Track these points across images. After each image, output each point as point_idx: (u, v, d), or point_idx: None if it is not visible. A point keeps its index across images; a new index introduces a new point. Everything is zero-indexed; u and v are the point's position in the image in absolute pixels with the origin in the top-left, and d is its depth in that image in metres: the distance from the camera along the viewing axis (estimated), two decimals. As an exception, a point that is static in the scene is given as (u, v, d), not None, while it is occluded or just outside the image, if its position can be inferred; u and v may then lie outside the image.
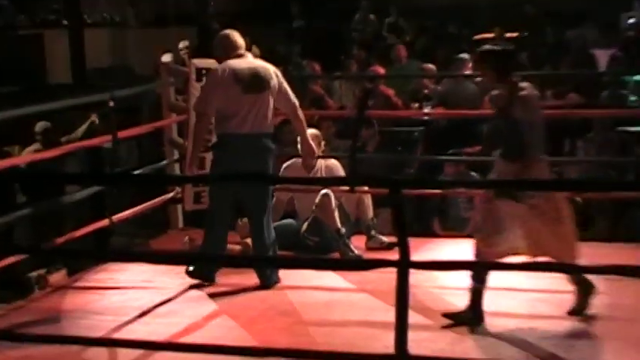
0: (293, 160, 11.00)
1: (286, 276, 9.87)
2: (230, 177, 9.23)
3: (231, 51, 9.85)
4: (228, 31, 10.13)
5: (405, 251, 5.94)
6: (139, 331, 8.66)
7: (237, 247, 10.61)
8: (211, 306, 9.38)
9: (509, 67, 8.39)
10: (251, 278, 9.79)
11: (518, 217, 7.96)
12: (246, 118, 9.57)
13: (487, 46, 8.81)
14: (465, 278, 8.83)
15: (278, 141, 12.42)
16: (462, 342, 7.98)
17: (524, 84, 8.35)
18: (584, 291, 8.36)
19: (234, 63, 9.70)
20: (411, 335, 5.94)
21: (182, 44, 12.50)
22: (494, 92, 8.50)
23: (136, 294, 9.64)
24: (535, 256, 8.04)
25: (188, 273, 9.74)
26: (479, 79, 13.61)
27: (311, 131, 10.83)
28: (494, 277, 8.24)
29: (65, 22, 25.73)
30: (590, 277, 8.18)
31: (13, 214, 10.73)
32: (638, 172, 12.55)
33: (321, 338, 7.84)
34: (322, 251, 10.53)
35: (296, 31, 25.81)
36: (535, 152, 8.18)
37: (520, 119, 8.06)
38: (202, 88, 10.06)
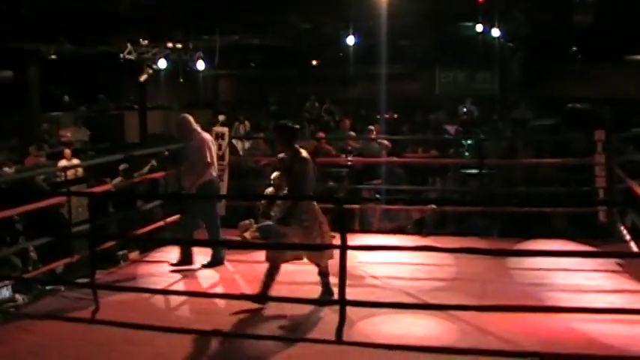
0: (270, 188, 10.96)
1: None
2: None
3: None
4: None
5: (344, 239, 5.93)
6: (184, 286, 8.58)
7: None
8: (226, 272, 9.33)
9: (292, 138, 7.92)
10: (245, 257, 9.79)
11: (296, 236, 7.65)
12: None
13: (280, 123, 8.46)
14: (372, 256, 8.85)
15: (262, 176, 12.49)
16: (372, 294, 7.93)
17: (302, 150, 7.95)
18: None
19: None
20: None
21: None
22: (281, 155, 8.04)
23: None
24: (309, 260, 7.75)
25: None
26: (381, 140, 13.76)
27: (278, 172, 10.95)
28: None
29: (136, 107, 25.65)
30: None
31: (106, 218, 10.70)
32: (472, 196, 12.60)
33: (289, 292, 7.65)
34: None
35: (272, 112, 25.82)
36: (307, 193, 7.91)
37: (298, 173, 7.79)
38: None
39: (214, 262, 9.46)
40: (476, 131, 18.19)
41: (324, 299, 7.37)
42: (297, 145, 7.97)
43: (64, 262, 9.18)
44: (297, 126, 8.21)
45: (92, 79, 30.87)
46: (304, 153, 7.92)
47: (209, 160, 9.46)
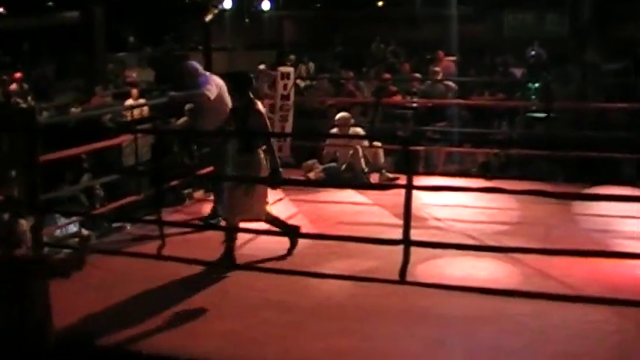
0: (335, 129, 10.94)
1: (332, 195, 9.90)
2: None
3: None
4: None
5: (410, 179, 5.93)
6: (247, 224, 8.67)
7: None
8: (290, 211, 9.40)
9: (246, 87, 7.54)
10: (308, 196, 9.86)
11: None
12: None
13: (233, 72, 8.33)
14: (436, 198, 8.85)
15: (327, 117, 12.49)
16: (435, 235, 7.94)
17: (257, 100, 7.67)
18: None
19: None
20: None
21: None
22: (235, 104, 7.79)
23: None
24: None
25: None
26: (447, 81, 13.64)
27: (343, 114, 10.93)
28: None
29: (200, 48, 25.69)
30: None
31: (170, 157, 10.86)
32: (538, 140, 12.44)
33: (351, 232, 7.62)
34: (354, 182, 10.53)
35: (337, 54, 25.65)
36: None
37: (251, 125, 7.47)
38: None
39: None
40: (544, 74, 17.89)
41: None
42: (252, 95, 7.66)
43: (130, 199, 9.33)
44: (251, 75, 7.94)
45: (157, 20, 31.08)
46: (259, 105, 7.66)
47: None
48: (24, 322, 5.62)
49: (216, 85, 8.89)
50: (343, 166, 10.73)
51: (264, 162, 7.51)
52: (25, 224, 5.84)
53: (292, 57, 20.97)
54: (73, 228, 8.89)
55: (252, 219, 7.54)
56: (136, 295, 6.80)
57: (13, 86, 19.96)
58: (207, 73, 9.20)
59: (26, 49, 26.89)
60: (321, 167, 10.91)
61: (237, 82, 7.70)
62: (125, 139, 10.25)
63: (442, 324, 6.03)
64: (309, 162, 11.12)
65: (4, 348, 5.69)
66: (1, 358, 5.74)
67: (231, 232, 7.38)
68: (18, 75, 20.45)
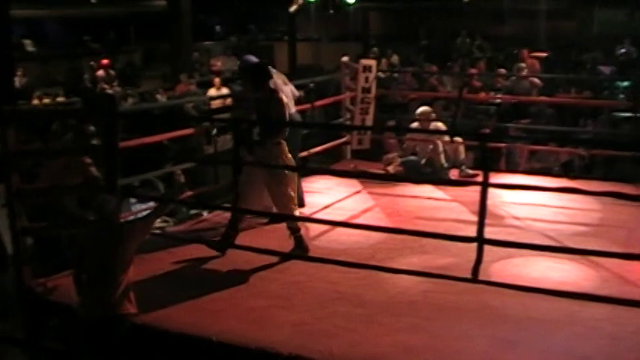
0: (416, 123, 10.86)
1: (410, 189, 9.85)
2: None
3: None
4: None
5: (486, 176, 5.86)
6: (323, 215, 8.67)
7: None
8: (367, 204, 9.40)
9: (265, 79, 7.47)
10: (386, 190, 9.83)
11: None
12: None
13: (244, 64, 8.09)
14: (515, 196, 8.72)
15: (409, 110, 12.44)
16: (512, 234, 7.84)
17: (279, 92, 7.52)
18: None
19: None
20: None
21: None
22: (255, 96, 7.46)
23: (320, 196, 9.65)
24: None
25: None
26: (532, 78, 13.45)
27: (425, 108, 10.85)
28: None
29: (286, 38, 25.85)
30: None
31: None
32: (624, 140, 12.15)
33: (427, 228, 7.56)
34: (433, 177, 10.46)
35: (422, 47, 25.48)
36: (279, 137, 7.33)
37: (274, 116, 7.29)
38: None
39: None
40: (635, 73, 17.51)
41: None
42: (272, 86, 7.57)
43: (208, 188, 9.43)
44: (269, 67, 7.76)
45: (243, 10, 31.31)
46: (281, 95, 7.53)
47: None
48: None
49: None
50: (423, 161, 10.66)
51: (287, 152, 7.43)
52: (112, 199, 6.00)
53: (375, 50, 20.94)
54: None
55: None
56: (209, 283, 6.86)
57: (100, 72, 20.40)
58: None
59: (114, 37, 27.38)
60: (399, 160, 10.86)
61: (256, 74, 7.55)
62: (206, 127, 10.36)
63: (514, 325, 5.93)
64: (389, 155, 11.10)
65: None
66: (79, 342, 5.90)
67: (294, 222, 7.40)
68: (105, 61, 20.88)
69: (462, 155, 10.85)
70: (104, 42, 26.19)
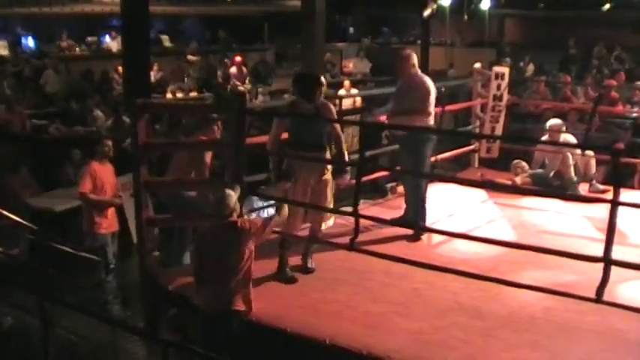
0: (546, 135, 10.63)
1: (537, 202, 9.65)
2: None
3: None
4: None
5: (616, 193, 5.68)
6: (441, 225, 8.57)
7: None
8: (491, 214, 9.26)
9: (315, 89, 7.06)
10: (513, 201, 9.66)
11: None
12: None
13: (300, 75, 7.90)
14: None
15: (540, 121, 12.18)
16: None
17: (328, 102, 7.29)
18: None
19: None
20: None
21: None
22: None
23: (445, 204, 9.53)
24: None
25: None
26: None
27: (555, 121, 10.60)
28: None
29: (419, 42, 25.73)
30: None
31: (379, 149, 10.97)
32: None
33: (552, 243, 7.33)
34: (561, 190, 10.21)
35: (569, 57, 24.88)
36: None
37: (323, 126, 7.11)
38: None
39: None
40: None
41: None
42: (322, 96, 7.23)
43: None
44: (320, 77, 7.32)
45: (377, 12, 31.36)
46: (331, 106, 7.31)
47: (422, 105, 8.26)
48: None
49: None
50: (551, 173, 10.43)
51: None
52: (234, 196, 6.11)
53: (508, 59, 20.62)
54: (271, 212, 9.13)
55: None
56: (325, 284, 6.91)
57: (233, 69, 20.75)
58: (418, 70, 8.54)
59: (249, 35, 27.82)
60: (529, 172, 10.67)
61: (307, 84, 7.24)
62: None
63: (638, 350, 5.74)
64: (516, 161, 10.90)
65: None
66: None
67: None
68: (238, 59, 21.22)
69: (593, 170, 10.58)
70: (239, 40, 26.62)
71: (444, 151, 10.78)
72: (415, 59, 8.41)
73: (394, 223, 8.04)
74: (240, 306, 5.96)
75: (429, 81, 8.39)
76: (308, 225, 7.43)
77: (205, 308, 5.99)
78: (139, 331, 7.06)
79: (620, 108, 13.34)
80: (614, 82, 14.37)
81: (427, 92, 8.27)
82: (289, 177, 7.12)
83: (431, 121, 8.40)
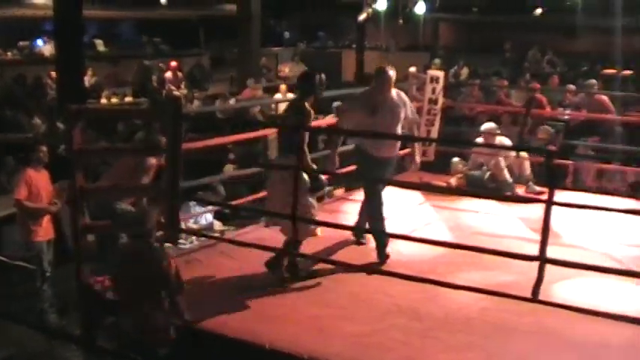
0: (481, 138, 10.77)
1: (472, 203, 9.76)
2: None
3: None
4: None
5: (551, 194, 5.77)
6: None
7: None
8: (429, 217, 9.31)
9: (306, 88, 7.22)
10: (449, 203, 9.75)
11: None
12: None
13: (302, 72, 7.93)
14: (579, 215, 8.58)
15: (475, 124, 12.31)
16: (575, 254, 7.69)
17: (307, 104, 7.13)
18: None
19: None
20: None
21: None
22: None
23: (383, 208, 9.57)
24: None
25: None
26: (601, 96, 13.21)
27: (490, 124, 10.76)
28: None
29: (354, 46, 25.87)
30: None
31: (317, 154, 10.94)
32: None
33: (488, 244, 7.35)
34: (496, 192, 10.34)
35: (507, 59, 25.25)
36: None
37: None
38: None
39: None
40: None
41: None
42: (306, 97, 7.27)
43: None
44: (317, 76, 7.32)
45: (312, 17, 31.44)
46: (308, 107, 7.20)
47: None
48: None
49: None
50: (486, 175, 10.57)
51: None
52: (153, 215, 6.00)
53: (437, 61, 20.83)
54: (203, 220, 9.12)
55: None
56: (267, 289, 6.89)
57: (168, 74, 20.63)
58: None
59: (184, 39, 27.68)
60: (464, 173, 10.79)
61: (312, 82, 7.32)
62: (271, 132, 10.39)
63: (573, 348, 5.86)
64: (456, 160, 11.03)
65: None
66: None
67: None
68: (174, 64, 21.11)
69: (528, 171, 10.74)
70: (173, 44, 26.48)
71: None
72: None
73: (341, 225, 8.10)
74: (167, 328, 5.82)
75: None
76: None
77: (129, 332, 5.82)
78: (76, 340, 6.97)
79: (549, 110, 13.56)
80: (538, 86, 14.59)
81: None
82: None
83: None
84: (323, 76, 7.35)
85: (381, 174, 7.83)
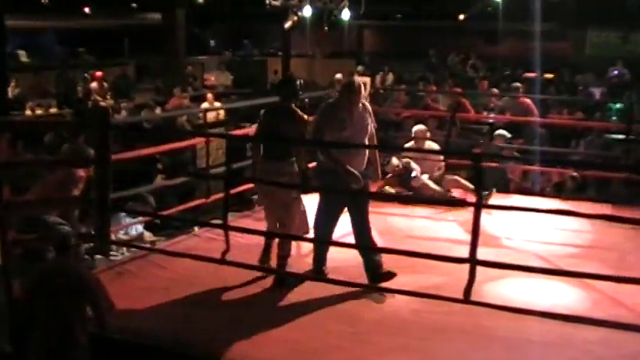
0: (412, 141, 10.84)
1: (403, 208, 9.81)
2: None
3: None
4: None
5: (479, 197, 5.84)
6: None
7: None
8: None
9: (287, 93, 7.30)
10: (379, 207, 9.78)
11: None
12: None
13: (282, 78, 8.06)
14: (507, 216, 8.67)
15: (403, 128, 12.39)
16: (505, 255, 7.80)
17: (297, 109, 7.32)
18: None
19: None
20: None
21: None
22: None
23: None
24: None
25: None
26: (524, 99, 13.43)
27: (420, 127, 10.83)
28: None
29: (280, 54, 25.84)
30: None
31: (245, 162, 10.89)
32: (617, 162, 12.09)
33: (419, 247, 7.46)
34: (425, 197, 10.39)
35: (432, 65, 25.51)
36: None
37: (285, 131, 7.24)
38: None
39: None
40: (628, 95, 17.51)
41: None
42: (293, 102, 7.39)
43: (198, 202, 9.38)
44: (296, 82, 7.45)
45: (238, 25, 31.37)
46: (300, 112, 7.37)
47: None
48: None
49: None
50: (413, 175, 10.58)
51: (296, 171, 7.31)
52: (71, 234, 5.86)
53: (360, 68, 20.97)
54: (133, 230, 8.99)
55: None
56: (200, 299, 6.83)
57: (94, 84, 20.33)
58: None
59: (108, 49, 27.36)
60: (391, 174, 10.80)
61: (292, 87, 7.37)
62: (199, 141, 10.31)
63: (506, 347, 5.91)
64: (395, 161, 11.02)
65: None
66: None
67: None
68: (99, 74, 20.82)
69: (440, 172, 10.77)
70: (98, 54, 26.13)
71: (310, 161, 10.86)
72: None
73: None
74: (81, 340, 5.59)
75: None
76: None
77: (54, 345, 5.57)
78: (6, 356, 6.80)
79: (472, 114, 13.74)
80: (460, 90, 14.80)
81: None
82: None
83: None
84: (302, 81, 7.36)
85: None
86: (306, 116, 7.40)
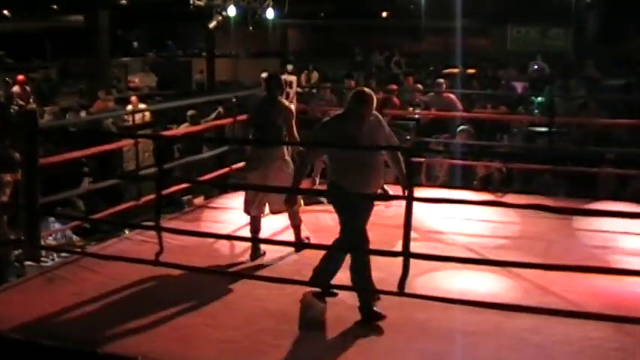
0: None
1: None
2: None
3: None
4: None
5: (410, 190, 5.89)
6: (246, 232, 8.56)
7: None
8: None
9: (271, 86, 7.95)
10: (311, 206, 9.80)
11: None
12: None
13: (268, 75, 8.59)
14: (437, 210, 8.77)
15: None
16: (436, 248, 7.90)
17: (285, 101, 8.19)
18: None
19: None
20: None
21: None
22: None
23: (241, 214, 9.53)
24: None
25: None
26: (449, 94, 13.61)
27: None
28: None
29: (204, 54, 25.73)
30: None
31: (172, 163, 10.82)
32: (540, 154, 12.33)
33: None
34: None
35: (355, 63, 25.65)
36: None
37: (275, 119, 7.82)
38: None
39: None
40: (548, 88, 17.87)
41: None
42: (279, 95, 8.10)
43: (129, 205, 9.28)
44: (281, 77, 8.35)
45: (161, 26, 31.13)
46: (287, 103, 8.18)
47: None
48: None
49: None
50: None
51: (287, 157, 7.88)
52: None
53: (290, 67, 20.98)
54: (68, 233, 8.87)
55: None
56: (133, 302, 6.76)
57: (16, 88, 19.98)
58: None
59: (30, 52, 26.90)
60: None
61: (269, 82, 8.02)
62: (126, 143, 10.22)
63: (441, 338, 5.98)
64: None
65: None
66: None
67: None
68: (21, 77, 20.46)
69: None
70: (20, 57, 25.68)
71: (237, 160, 10.84)
72: None
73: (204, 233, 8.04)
74: None
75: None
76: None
77: None
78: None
79: (397, 110, 13.84)
80: (394, 87, 14.89)
81: None
82: None
83: None
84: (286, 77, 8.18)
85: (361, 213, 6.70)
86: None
